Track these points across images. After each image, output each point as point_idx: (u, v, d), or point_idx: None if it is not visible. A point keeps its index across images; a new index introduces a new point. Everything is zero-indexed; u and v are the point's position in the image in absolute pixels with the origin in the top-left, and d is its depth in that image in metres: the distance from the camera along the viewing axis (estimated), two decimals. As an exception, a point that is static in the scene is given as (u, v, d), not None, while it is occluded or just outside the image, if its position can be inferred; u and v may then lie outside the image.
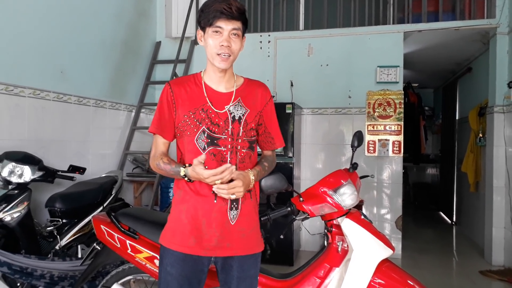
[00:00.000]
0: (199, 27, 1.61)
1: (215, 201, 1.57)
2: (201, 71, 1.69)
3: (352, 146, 2.24)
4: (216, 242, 1.57)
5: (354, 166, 2.25)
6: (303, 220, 2.09)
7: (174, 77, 4.52)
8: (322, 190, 2.07)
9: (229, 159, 1.59)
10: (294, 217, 2.08)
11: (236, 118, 1.61)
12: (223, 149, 1.58)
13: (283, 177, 1.94)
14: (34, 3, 3.27)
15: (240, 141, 1.61)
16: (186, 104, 1.60)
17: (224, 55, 1.55)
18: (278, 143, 1.80)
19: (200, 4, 5.17)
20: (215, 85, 1.64)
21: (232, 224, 1.59)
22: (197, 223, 1.56)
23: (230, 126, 1.59)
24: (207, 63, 1.64)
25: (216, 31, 1.53)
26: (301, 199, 2.04)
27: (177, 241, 1.58)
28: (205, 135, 1.57)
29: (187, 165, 1.53)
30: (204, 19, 1.55)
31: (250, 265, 1.66)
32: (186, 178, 1.54)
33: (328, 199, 2.04)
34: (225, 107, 1.61)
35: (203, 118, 1.58)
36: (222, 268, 1.64)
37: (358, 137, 2.24)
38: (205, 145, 1.57)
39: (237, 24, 1.55)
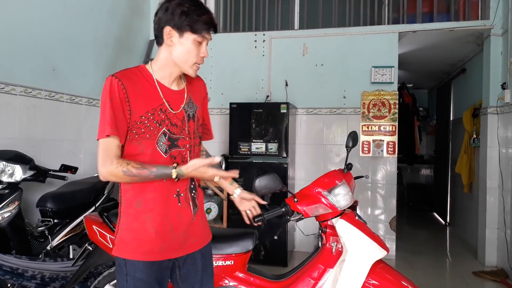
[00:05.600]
0: (170, 26, 1.49)
1: (179, 204, 1.56)
2: (144, 64, 1.58)
3: (347, 146, 2.23)
4: (184, 242, 1.58)
5: (348, 166, 2.24)
6: (297, 220, 2.07)
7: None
8: (316, 190, 2.06)
9: (189, 158, 1.58)
10: (288, 217, 2.07)
11: (191, 116, 1.62)
12: (183, 149, 1.56)
13: (278, 177, 1.93)
14: (26, 0, 3.23)
15: (194, 138, 1.63)
16: (141, 103, 1.48)
17: (198, 65, 1.56)
18: (212, 135, 1.87)
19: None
20: (168, 83, 1.58)
21: (194, 221, 1.62)
22: (164, 230, 1.53)
23: (187, 125, 1.59)
24: (161, 59, 1.54)
25: (200, 42, 1.52)
26: (295, 199, 2.03)
27: (145, 251, 1.51)
28: (166, 137, 1.51)
29: (174, 165, 1.46)
30: (189, 25, 1.48)
31: (209, 254, 1.72)
32: (174, 178, 1.45)
33: (323, 199, 2.03)
34: (181, 106, 1.58)
35: (163, 119, 1.51)
36: (184, 263, 1.62)
37: (353, 137, 2.23)
38: (167, 148, 1.52)
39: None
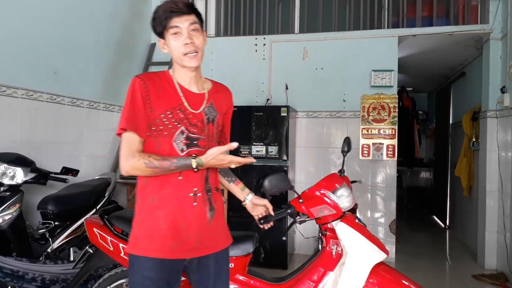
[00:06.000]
0: (159, 38, 1.59)
1: (194, 203, 1.55)
2: (167, 70, 1.65)
3: (343, 151, 2.29)
4: (196, 244, 1.56)
5: (341, 171, 2.29)
6: (301, 222, 2.08)
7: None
8: (321, 192, 2.08)
9: None
10: (296, 218, 2.07)
11: (210, 119, 1.63)
12: (203, 149, 1.57)
13: (286, 176, 1.94)
14: (28, 3, 3.25)
15: (213, 142, 1.64)
16: (161, 102, 1.53)
17: (192, 53, 1.53)
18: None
19: (197, 6, 5.18)
20: (187, 85, 1.62)
21: (210, 224, 1.59)
22: (177, 227, 1.53)
23: (206, 127, 1.61)
24: (174, 65, 1.62)
25: (175, 33, 1.52)
26: (300, 200, 2.04)
27: (156, 248, 1.52)
28: (184, 136, 1.54)
29: (194, 155, 1.51)
30: (158, 25, 1.54)
31: (224, 260, 1.69)
32: (194, 168, 1.50)
33: (327, 200, 2.05)
34: (200, 108, 1.61)
35: (181, 118, 1.55)
36: (197, 268, 1.62)
37: (348, 142, 2.30)
38: (184, 147, 1.54)
39: (192, 18, 1.54)
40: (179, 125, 1.54)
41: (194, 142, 1.56)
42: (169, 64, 4.74)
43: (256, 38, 4.95)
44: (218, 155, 1.48)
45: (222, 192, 1.81)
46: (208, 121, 1.61)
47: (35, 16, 3.33)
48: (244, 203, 1.84)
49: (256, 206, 1.85)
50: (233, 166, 1.55)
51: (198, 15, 1.57)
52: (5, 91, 3.07)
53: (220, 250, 1.65)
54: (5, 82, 3.06)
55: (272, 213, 1.84)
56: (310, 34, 4.84)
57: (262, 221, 1.88)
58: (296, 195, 2.08)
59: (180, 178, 1.53)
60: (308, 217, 2.04)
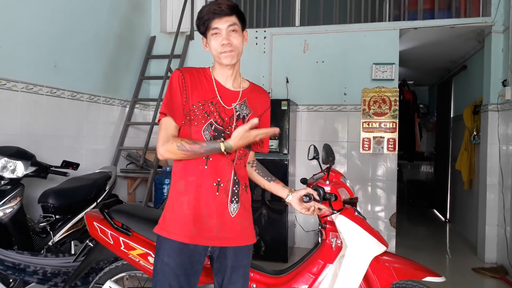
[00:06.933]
0: (202, 35, 1.68)
1: (217, 193, 1.61)
2: (209, 67, 1.74)
3: (314, 158, 2.36)
4: (216, 233, 1.61)
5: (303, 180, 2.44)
6: (331, 200, 2.05)
7: (169, 73, 4.50)
8: (337, 177, 2.20)
9: (236, 155, 1.67)
10: (331, 199, 2.05)
11: (241, 116, 1.69)
12: None
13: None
14: (27, -3, 3.24)
15: None
16: (196, 93, 1.63)
17: (227, 52, 1.62)
18: (266, 148, 1.90)
19: (196, -1, 5.16)
20: (223, 82, 1.70)
21: (233, 216, 1.64)
22: (198, 214, 1.59)
23: (234, 123, 1.66)
24: (214, 63, 1.71)
25: (215, 33, 1.61)
26: (327, 181, 2.12)
27: (177, 231, 1.59)
28: (212, 127, 1.62)
29: (222, 139, 1.56)
30: (201, 26, 1.64)
31: (244, 255, 1.72)
32: (223, 150, 1.55)
33: (346, 184, 2.19)
34: (232, 104, 1.68)
35: (212, 111, 1.63)
36: (217, 257, 1.68)
37: (314, 149, 2.40)
38: (211, 138, 1.62)
39: (232, 20, 1.61)
40: (209, 117, 1.62)
41: (222, 135, 1.63)
42: (169, 57, 4.72)
43: (256, 31, 4.92)
44: (243, 134, 1.52)
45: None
46: (237, 118, 1.67)
47: (35, 9, 3.31)
48: (287, 199, 1.83)
49: (301, 201, 1.79)
50: (258, 139, 1.58)
51: (239, 16, 1.65)
52: (5, 84, 3.06)
53: (242, 245, 1.69)
54: (5, 75, 3.06)
55: (317, 197, 1.83)
56: (311, 27, 4.81)
57: (305, 198, 1.78)
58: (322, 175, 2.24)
59: (206, 167, 1.61)
60: (335, 199, 2.04)
